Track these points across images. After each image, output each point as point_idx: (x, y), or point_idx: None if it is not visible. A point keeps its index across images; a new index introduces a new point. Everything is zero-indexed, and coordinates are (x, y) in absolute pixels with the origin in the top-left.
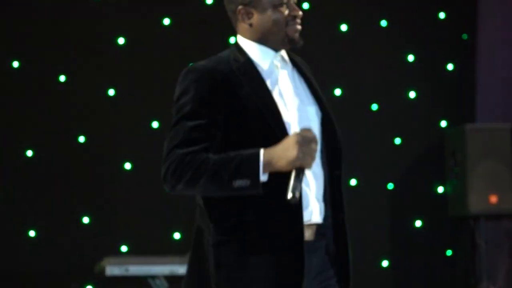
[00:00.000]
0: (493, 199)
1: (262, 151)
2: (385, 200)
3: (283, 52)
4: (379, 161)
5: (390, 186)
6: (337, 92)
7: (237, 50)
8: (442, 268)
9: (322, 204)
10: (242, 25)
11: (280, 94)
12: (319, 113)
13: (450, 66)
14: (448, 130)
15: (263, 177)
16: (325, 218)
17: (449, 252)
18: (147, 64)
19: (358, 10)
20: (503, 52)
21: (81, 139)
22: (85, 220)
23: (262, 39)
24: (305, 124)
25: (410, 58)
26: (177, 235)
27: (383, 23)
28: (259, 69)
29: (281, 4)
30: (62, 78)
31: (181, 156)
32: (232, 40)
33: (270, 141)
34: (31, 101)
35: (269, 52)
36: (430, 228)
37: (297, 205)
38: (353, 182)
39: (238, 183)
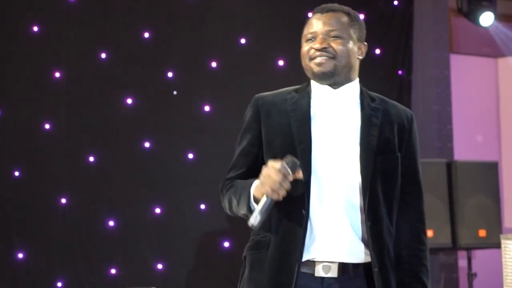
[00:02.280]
0: (429, 233)
1: (253, 186)
2: None
3: (348, 89)
4: None
5: None
6: None
7: (307, 83)
8: None
9: (351, 245)
10: None
11: (318, 131)
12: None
13: None
14: None
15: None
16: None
17: None
18: (84, 97)
19: (294, 45)
20: (436, 89)
21: (16, 173)
22: (20, 255)
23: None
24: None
25: None
26: (113, 271)
27: None
28: (312, 101)
29: (307, 39)
30: None
31: (223, 183)
32: (169, 73)
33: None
34: None
35: (318, 85)
36: None
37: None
38: None
39: (242, 212)
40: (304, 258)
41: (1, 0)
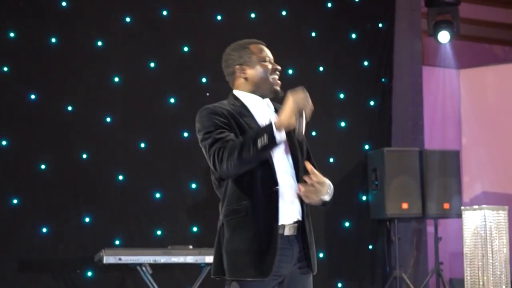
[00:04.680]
0: (405, 205)
1: (272, 120)
2: (321, 206)
3: (268, 101)
4: None
5: None
6: None
7: (233, 98)
8: (365, 259)
9: (298, 208)
10: (239, 80)
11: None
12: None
13: (372, 103)
14: (370, 152)
15: (279, 135)
16: (301, 219)
17: (370, 247)
18: (137, 97)
19: (301, 57)
20: (411, 93)
21: (84, 156)
22: (87, 219)
23: (254, 90)
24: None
25: (341, 95)
26: (159, 232)
27: (321, 68)
28: (250, 109)
29: (267, 61)
30: (70, 108)
31: (217, 148)
32: (203, 79)
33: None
34: (45, 126)
35: (259, 100)
36: (355, 228)
37: (274, 206)
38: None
39: (260, 142)
40: (279, 223)
41: (72, 21)
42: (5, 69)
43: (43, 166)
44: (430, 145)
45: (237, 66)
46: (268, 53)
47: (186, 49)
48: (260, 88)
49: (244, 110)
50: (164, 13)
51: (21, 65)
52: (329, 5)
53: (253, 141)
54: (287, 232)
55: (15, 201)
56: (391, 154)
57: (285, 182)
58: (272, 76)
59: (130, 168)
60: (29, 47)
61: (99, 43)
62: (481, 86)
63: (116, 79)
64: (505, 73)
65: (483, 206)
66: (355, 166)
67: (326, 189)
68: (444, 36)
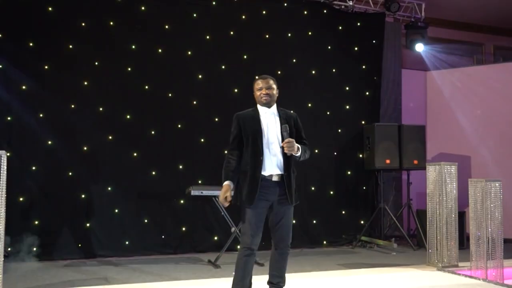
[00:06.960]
0: (387, 161)
1: (226, 182)
2: (332, 161)
3: (274, 108)
4: (331, 141)
5: (335, 152)
6: (310, 105)
7: (255, 107)
8: (360, 196)
9: (278, 169)
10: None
11: (267, 126)
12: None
13: (367, 93)
14: (365, 126)
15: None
16: (284, 173)
17: (364, 188)
18: (213, 88)
19: (321, 62)
20: (393, 87)
21: (179, 125)
22: (180, 166)
23: (258, 104)
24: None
25: (347, 88)
26: None
27: (334, 70)
28: (259, 114)
29: (259, 89)
30: (170, 94)
31: (228, 155)
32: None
33: (255, 143)
34: (155, 106)
35: (264, 108)
36: (355, 175)
37: (259, 169)
38: (317, 151)
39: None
40: (266, 174)
41: (172, 38)
42: (129, 69)
43: (153, 132)
44: (405, 121)
45: (254, 91)
46: (260, 84)
47: (245, 56)
48: (259, 103)
49: (256, 113)
50: (231, 33)
51: (139, 66)
52: (340, 28)
53: (224, 179)
54: (274, 178)
55: (134, 154)
56: (379, 127)
57: (270, 151)
58: (262, 97)
59: (208, 134)
60: (143, 55)
61: (189, 52)
62: (441, 83)
63: (200, 76)
64: (457, 75)
65: (440, 162)
66: (355, 134)
67: (294, 147)
68: (417, 49)
